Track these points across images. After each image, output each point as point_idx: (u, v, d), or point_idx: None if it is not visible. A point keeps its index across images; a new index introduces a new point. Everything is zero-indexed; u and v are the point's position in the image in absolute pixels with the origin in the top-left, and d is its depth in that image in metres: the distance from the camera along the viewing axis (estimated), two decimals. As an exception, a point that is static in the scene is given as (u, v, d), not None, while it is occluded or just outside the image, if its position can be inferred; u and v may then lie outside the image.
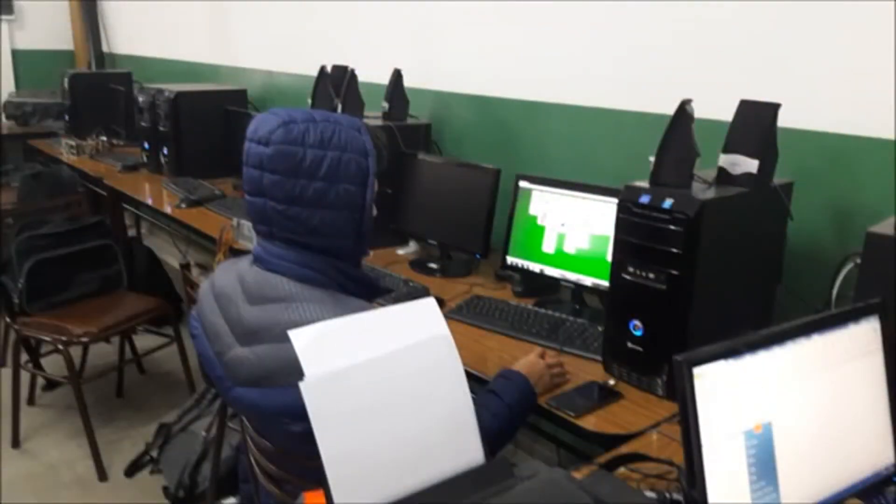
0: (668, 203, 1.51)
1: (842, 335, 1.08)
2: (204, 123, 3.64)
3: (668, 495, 1.20)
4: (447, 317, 1.10)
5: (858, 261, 1.35)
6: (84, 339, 2.81)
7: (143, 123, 3.82)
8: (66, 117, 4.57)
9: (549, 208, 2.12)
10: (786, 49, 1.83)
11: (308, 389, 0.84)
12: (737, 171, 1.63)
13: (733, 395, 0.96)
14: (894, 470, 1.13)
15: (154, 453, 2.27)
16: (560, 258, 2.08)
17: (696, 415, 0.93)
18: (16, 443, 2.94)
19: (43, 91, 5.18)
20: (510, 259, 2.21)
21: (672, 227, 1.50)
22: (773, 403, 1.00)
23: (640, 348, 1.59)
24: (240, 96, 3.86)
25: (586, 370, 1.70)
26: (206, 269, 2.77)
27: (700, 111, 1.58)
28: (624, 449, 1.37)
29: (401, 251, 2.61)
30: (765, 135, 1.60)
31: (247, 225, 2.48)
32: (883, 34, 1.64)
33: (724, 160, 1.65)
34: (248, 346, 1.27)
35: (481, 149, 2.68)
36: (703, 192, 1.56)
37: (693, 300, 1.51)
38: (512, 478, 0.92)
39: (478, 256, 2.33)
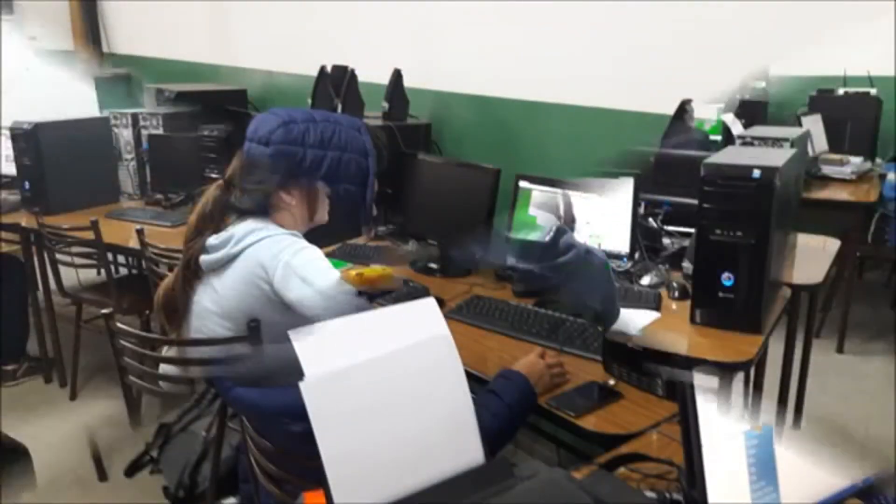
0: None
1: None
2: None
3: (668, 495, 1.20)
4: (447, 317, 1.10)
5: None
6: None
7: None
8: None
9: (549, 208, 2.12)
10: (785, 49, 1.83)
11: (308, 389, 0.84)
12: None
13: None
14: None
15: (154, 453, 2.27)
16: (560, 258, 2.08)
17: (696, 415, 0.93)
18: (16, 443, 2.94)
19: (43, 91, 5.17)
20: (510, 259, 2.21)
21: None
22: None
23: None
24: (240, 96, 3.86)
25: (586, 370, 1.70)
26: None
27: (699, 111, 1.58)
28: (624, 449, 1.37)
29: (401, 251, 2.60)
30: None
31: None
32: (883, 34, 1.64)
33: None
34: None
35: (481, 149, 2.68)
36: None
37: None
38: (512, 478, 0.92)
39: (478, 256, 2.33)
